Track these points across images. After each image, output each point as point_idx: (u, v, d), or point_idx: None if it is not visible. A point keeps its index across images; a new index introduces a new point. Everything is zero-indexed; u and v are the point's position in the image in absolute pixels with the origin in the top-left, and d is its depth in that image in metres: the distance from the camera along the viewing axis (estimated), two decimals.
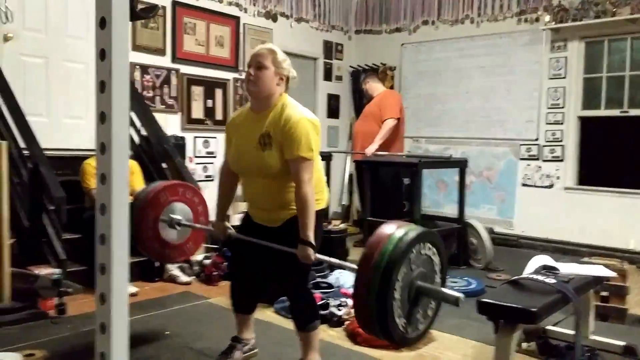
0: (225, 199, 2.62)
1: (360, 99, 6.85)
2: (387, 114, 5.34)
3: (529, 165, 6.00)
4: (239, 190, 2.59)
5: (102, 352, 1.39)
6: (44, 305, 3.28)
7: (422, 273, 1.82)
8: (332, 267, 4.08)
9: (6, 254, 3.22)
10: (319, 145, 2.33)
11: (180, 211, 2.76)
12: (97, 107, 1.39)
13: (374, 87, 5.67)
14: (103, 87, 1.37)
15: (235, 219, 4.40)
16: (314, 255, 2.21)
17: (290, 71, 2.40)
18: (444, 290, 1.85)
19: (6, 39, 4.31)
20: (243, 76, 6.06)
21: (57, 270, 3.43)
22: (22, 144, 3.91)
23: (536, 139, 5.93)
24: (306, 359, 2.43)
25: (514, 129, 6.09)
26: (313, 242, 2.21)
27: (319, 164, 2.44)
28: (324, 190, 2.48)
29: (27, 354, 2.63)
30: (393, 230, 1.81)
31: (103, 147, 1.39)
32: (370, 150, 5.22)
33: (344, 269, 3.50)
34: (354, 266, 1.91)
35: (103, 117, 1.38)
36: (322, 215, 2.47)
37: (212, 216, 2.72)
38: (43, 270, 3.41)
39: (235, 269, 2.62)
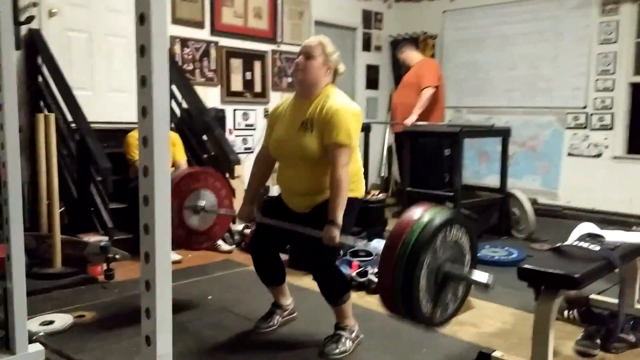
0: (256, 184, 2.68)
1: (400, 69, 6.72)
2: (425, 82, 5.21)
3: (575, 134, 5.81)
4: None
5: (147, 308, 1.45)
6: (93, 271, 3.43)
7: (450, 257, 1.80)
8: (371, 237, 4.10)
9: (57, 222, 3.38)
10: (358, 136, 2.37)
11: (204, 197, 2.79)
12: (138, 72, 1.42)
13: (411, 56, 5.53)
14: (143, 51, 1.39)
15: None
16: (339, 238, 2.22)
17: (339, 65, 2.47)
18: (473, 273, 1.81)
19: (51, 14, 4.42)
20: (281, 48, 6.10)
21: (105, 238, 3.57)
22: (69, 117, 4.05)
23: (584, 107, 5.72)
24: (341, 323, 2.47)
25: (560, 97, 5.89)
26: (340, 224, 2.23)
27: (358, 155, 2.47)
28: (362, 181, 2.51)
29: (78, 315, 2.77)
30: (418, 216, 1.78)
31: (144, 111, 1.42)
32: (410, 121, 5.15)
33: (370, 255, 3.54)
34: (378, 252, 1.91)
35: (144, 81, 1.41)
36: (358, 205, 2.49)
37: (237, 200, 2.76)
38: (92, 238, 3.56)
39: (258, 248, 2.63)
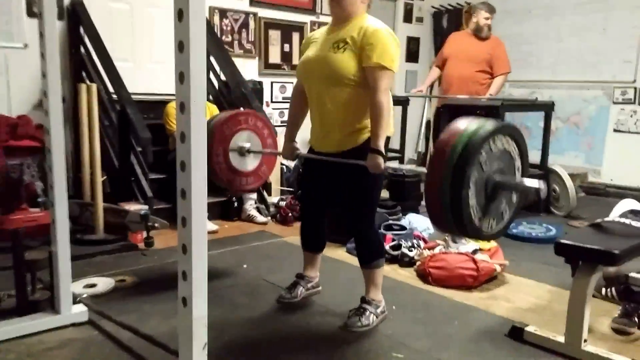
0: (295, 121, 2.64)
1: (443, 41, 6.55)
2: (505, 67, 4.83)
3: (622, 109, 5.59)
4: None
5: (183, 271, 1.50)
6: (134, 238, 3.54)
7: (498, 166, 1.74)
8: (405, 211, 4.08)
9: (99, 191, 3.49)
10: (398, 64, 2.27)
11: (247, 138, 2.75)
12: (175, 37, 1.43)
13: (488, 26, 4.91)
14: (181, 15, 1.41)
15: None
16: (384, 165, 2.19)
17: None
18: (525, 180, 1.76)
19: None
20: (320, 19, 6.03)
21: (145, 207, 3.66)
22: (110, 88, 4.14)
23: (633, 81, 5.49)
24: (368, 296, 2.46)
25: (608, 70, 5.66)
26: (383, 151, 2.19)
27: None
28: (392, 117, 2.40)
29: (119, 280, 2.88)
30: (466, 125, 1.72)
31: (182, 76, 1.44)
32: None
33: (404, 228, 3.51)
34: (423, 169, 1.88)
35: (181, 46, 1.43)
36: (387, 141, 2.40)
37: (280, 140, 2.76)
38: (132, 207, 3.66)
39: (306, 202, 2.65)
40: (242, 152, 2.74)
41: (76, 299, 2.44)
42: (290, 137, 2.63)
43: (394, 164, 2.30)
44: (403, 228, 3.66)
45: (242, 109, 4.70)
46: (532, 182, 1.72)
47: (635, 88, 5.49)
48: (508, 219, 1.84)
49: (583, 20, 5.80)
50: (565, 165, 5.44)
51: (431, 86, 5.68)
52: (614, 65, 5.61)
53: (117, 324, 2.32)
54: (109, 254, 3.34)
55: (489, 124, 1.72)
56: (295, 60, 5.91)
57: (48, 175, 2.23)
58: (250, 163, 2.79)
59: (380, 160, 2.18)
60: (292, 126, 2.64)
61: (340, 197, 2.43)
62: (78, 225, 3.52)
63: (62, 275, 2.29)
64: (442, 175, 1.69)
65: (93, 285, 2.74)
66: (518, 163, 1.83)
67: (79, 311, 2.37)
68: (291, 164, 5.45)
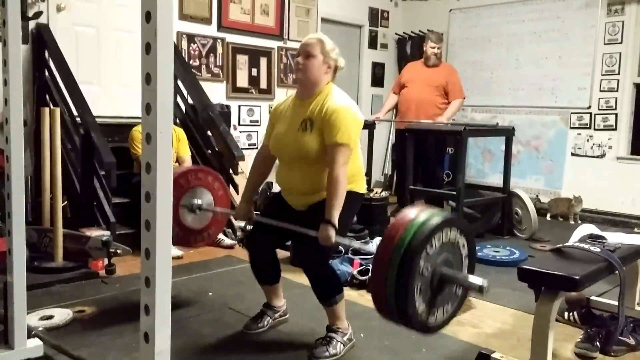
0: (254, 182, 2.67)
1: (405, 63, 6.69)
2: (459, 93, 5.13)
3: (579, 134, 5.80)
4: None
5: (146, 304, 1.46)
6: (94, 266, 3.44)
7: (446, 259, 1.73)
8: (373, 235, 4.10)
9: (59, 216, 3.39)
10: (358, 136, 2.37)
11: (201, 196, 2.76)
12: (143, 69, 1.42)
13: (441, 54, 5.27)
14: (148, 48, 1.40)
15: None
16: (334, 238, 2.20)
17: (339, 60, 2.45)
18: (469, 277, 1.75)
19: (59, 9, 4.43)
20: (287, 45, 6.09)
21: (107, 233, 3.58)
22: (74, 111, 4.06)
23: (589, 107, 5.71)
24: (333, 326, 2.45)
25: (565, 96, 5.87)
26: (336, 224, 2.21)
27: (359, 155, 2.47)
28: (363, 179, 2.51)
29: (78, 310, 2.78)
30: (414, 215, 1.72)
31: (148, 108, 1.43)
32: (444, 119, 5.02)
33: (367, 254, 3.53)
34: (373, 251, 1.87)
35: (148, 79, 1.41)
36: (359, 201, 2.50)
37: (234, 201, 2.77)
38: (94, 232, 3.57)
39: (255, 244, 2.63)
40: (193, 209, 2.72)
41: (31, 333, 2.32)
42: (247, 198, 2.64)
43: (345, 241, 2.32)
44: (370, 252, 3.67)
45: (210, 134, 4.70)
46: (476, 280, 1.72)
47: (590, 113, 5.70)
48: (449, 315, 1.83)
49: (540, 48, 6.03)
50: (527, 188, 5.60)
51: (392, 111, 5.82)
52: (570, 92, 5.83)
53: (74, 359, 2.23)
54: (68, 282, 3.24)
55: (437, 216, 1.72)
56: (263, 84, 5.95)
57: (6, 203, 2.17)
58: (200, 221, 2.78)
59: (332, 232, 2.19)
60: (250, 188, 2.66)
61: (296, 240, 2.48)
62: (36, 252, 3.41)
63: (17, 307, 2.19)
64: (390, 263, 1.66)
65: (50, 317, 2.64)
66: (465, 254, 1.83)
67: (34, 345, 2.27)
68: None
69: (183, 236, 2.78)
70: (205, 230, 2.86)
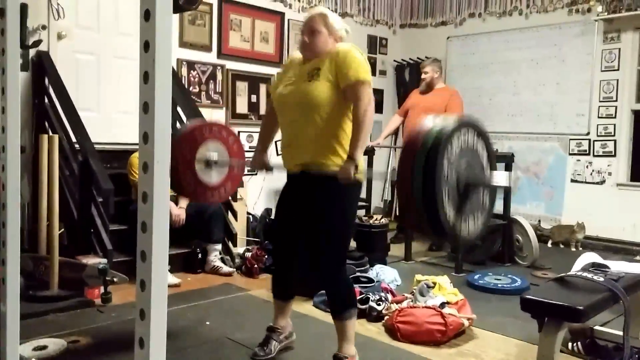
0: (267, 133, 2.66)
1: (405, 93, 6.73)
2: (458, 114, 5.00)
3: (579, 160, 5.80)
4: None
5: (140, 337, 1.42)
6: (90, 294, 3.39)
7: (467, 163, 1.73)
8: (373, 262, 4.06)
9: (56, 244, 3.36)
10: (370, 73, 2.34)
11: (216, 150, 2.63)
12: (141, 98, 1.41)
13: (438, 79, 5.25)
14: (146, 78, 1.39)
15: None
16: (354, 174, 2.20)
17: (343, 31, 2.44)
18: (493, 176, 1.77)
19: (60, 37, 4.47)
20: None
21: (104, 260, 3.54)
22: (73, 138, 4.06)
23: (587, 134, 5.72)
24: (341, 351, 2.41)
25: (563, 123, 5.89)
26: (358, 162, 2.21)
27: None
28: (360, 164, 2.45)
29: (72, 341, 2.73)
30: (430, 125, 1.72)
31: (146, 137, 1.42)
32: None
33: (371, 281, 3.47)
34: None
35: (146, 107, 1.40)
36: (360, 186, 2.44)
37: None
38: (90, 260, 3.53)
39: (279, 230, 2.61)
40: (209, 163, 2.64)
41: None
42: (261, 148, 2.64)
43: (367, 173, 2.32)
44: (370, 280, 3.63)
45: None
46: (501, 178, 1.72)
47: (589, 140, 5.71)
48: (481, 224, 1.80)
49: (538, 75, 6.07)
50: (527, 215, 5.57)
51: (395, 134, 5.83)
52: (569, 118, 5.85)
53: None
54: (63, 311, 3.18)
55: (453, 120, 1.74)
56: (263, 111, 5.96)
57: (1, 231, 2.14)
58: (215, 177, 2.69)
59: (352, 168, 2.19)
60: (264, 139, 2.66)
61: (311, 225, 2.40)
62: (32, 281, 3.37)
63: (9, 338, 2.14)
64: (413, 172, 1.66)
65: (43, 347, 2.59)
66: (484, 156, 1.83)
67: None
68: (258, 213, 5.41)
69: (200, 192, 2.66)
70: (221, 185, 2.74)
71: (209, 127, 2.69)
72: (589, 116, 5.70)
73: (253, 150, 5.78)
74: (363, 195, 5.53)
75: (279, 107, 2.47)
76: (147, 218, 1.41)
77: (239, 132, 5.69)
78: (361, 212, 5.40)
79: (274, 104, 2.52)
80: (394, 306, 3.14)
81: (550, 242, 5.53)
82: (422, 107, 5.09)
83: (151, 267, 1.39)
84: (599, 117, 5.64)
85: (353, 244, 4.57)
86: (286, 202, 2.57)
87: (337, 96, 2.29)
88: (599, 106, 5.63)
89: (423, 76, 5.22)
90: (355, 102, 2.25)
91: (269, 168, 2.63)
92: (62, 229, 3.76)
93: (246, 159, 2.84)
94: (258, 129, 5.82)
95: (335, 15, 2.42)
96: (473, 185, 1.73)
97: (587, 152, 5.73)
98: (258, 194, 5.58)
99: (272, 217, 5.17)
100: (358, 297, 3.31)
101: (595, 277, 2.31)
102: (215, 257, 4.25)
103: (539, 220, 5.84)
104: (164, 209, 1.42)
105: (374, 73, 7.14)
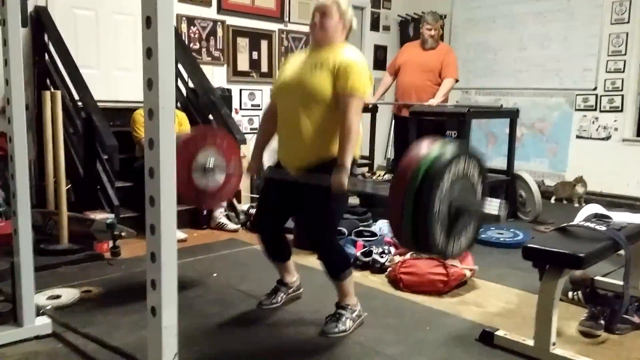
0: (263, 140, 2.66)
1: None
2: (453, 73, 4.94)
3: (585, 116, 5.76)
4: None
5: (152, 279, 1.46)
6: (99, 248, 3.45)
7: (461, 189, 1.77)
8: (376, 217, 4.10)
9: (63, 199, 3.40)
10: (369, 90, 2.37)
11: (212, 157, 2.71)
12: (143, 43, 1.41)
13: (439, 36, 5.11)
14: (149, 22, 1.38)
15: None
16: (347, 185, 2.21)
17: (353, 21, 2.48)
18: (485, 205, 1.81)
19: None
20: (288, 27, 6.04)
21: (111, 215, 3.58)
22: (75, 96, 4.05)
23: (594, 89, 5.66)
24: (342, 302, 2.47)
25: (570, 78, 5.82)
26: (349, 169, 2.23)
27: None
28: (359, 145, 2.46)
29: (85, 290, 2.80)
30: (426, 150, 1.75)
31: (150, 83, 1.41)
32: (435, 102, 4.94)
33: (374, 235, 3.52)
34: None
35: (149, 53, 1.40)
36: (354, 166, 2.45)
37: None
38: (98, 215, 3.58)
39: (263, 221, 2.63)
40: (205, 169, 2.68)
41: (39, 311, 2.35)
42: (257, 154, 2.64)
43: (358, 185, 2.32)
44: (374, 234, 3.67)
45: (211, 118, 4.67)
46: (492, 207, 1.76)
47: (596, 95, 5.66)
48: (467, 243, 1.88)
49: (545, 29, 5.97)
50: (531, 171, 5.57)
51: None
52: (576, 73, 5.78)
53: (82, 335, 2.25)
54: (74, 264, 3.25)
55: (450, 148, 1.76)
56: (264, 68, 5.91)
57: (10, 184, 2.16)
58: (212, 182, 2.74)
59: (345, 178, 2.20)
60: (260, 144, 2.66)
61: (300, 212, 2.46)
62: (42, 235, 3.41)
63: (25, 287, 2.21)
64: (404, 202, 1.72)
65: (57, 297, 2.66)
66: (478, 184, 1.87)
67: (43, 323, 2.29)
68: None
69: (197, 198, 2.73)
70: (220, 190, 2.78)
71: (202, 135, 2.72)
72: (596, 71, 5.63)
73: (256, 108, 5.83)
74: (365, 152, 5.55)
75: (281, 95, 2.48)
76: (155, 163, 1.43)
77: (240, 90, 5.69)
78: (364, 170, 5.42)
79: (276, 95, 2.52)
80: (397, 258, 3.18)
81: (553, 198, 5.55)
82: (417, 64, 4.99)
83: (160, 211, 1.42)
84: (606, 72, 5.56)
85: (356, 200, 4.61)
86: (274, 186, 2.56)
87: (335, 94, 2.32)
88: (607, 60, 5.55)
89: (432, 32, 5.00)
90: (343, 112, 2.26)
91: (263, 174, 2.65)
92: (69, 185, 3.79)
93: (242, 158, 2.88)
94: (259, 87, 5.86)
95: (346, 4, 2.44)
96: (464, 210, 1.79)
97: (594, 107, 5.68)
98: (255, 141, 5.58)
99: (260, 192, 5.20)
100: (362, 250, 3.36)
101: (597, 227, 2.33)
102: (220, 213, 4.29)
103: (542, 178, 5.85)
104: (171, 154, 1.44)
105: (377, 28, 7.03)
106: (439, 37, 5.15)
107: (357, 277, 3.15)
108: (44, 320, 2.31)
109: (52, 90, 3.92)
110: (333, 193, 2.24)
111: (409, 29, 7.07)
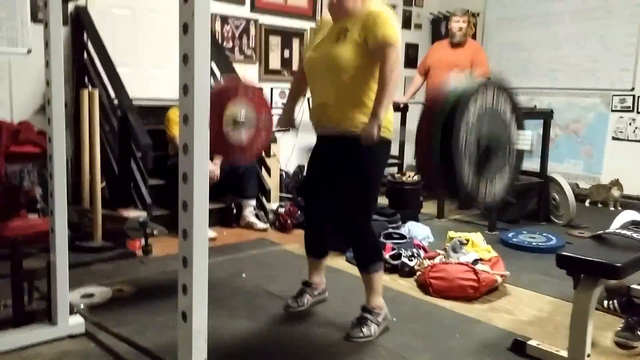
0: (295, 94, 2.70)
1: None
2: (485, 72, 4.75)
3: (621, 117, 5.60)
4: None
5: (184, 284, 1.48)
6: (132, 245, 3.51)
7: (490, 124, 1.71)
8: (405, 219, 4.07)
9: (98, 197, 3.47)
10: (399, 37, 2.31)
11: (243, 109, 2.61)
12: (180, 49, 1.42)
13: (468, 31, 4.99)
14: (186, 29, 1.40)
15: None
16: (378, 133, 2.21)
17: None
18: (515, 139, 1.75)
19: None
20: None
21: (144, 214, 3.65)
22: (112, 94, 4.13)
23: (632, 89, 5.50)
24: (369, 305, 2.45)
25: (607, 78, 5.67)
26: (381, 121, 2.22)
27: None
28: (391, 125, 2.43)
29: (117, 289, 2.85)
30: (453, 83, 1.72)
31: (186, 89, 1.43)
32: None
33: (404, 237, 3.44)
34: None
35: (186, 59, 1.41)
36: (389, 149, 2.47)
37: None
38: (131, 213, 3.64)
39: (309, 189, 2.67)
40: (237, 122, 2.64)
41: (73, 310, 2.40)
42: (289, 108, 2.69)
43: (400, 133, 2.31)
44: (403, 237, 3.65)
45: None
46: (525, 142, 1.69)
47: (633, 96, 5.50)
48: (501, 189, 1.79)
49: (581, 28, 5.82)
50: (564, 173, 5.45)
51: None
52: (612, 73, 5.62)
53: (114, 335, 2.29)
54: (107, 261, 3.32)
55: (475, 82, 1.72)
56: (295, 66, 5.91)
57: (49, 183, 2.22)
58: (244, 136, 2.69)
59: (375, 128, 2.20)
60: (292, 98, 2.71)
61: (340, 183, 2.43)
62: (77, 232, 3.50)
63: (59, 285, 2.26)
64: (432, 133, 1.67)
65: (90, 295, 2.71)
66: (511, 120, 1.79)
67: (76, 322, 2.34)
68: (290, 170, 5.45)
69: (228, 152, 2.71)
70: (251, 144, 2.76)
71: (234, 87, 2.70)
72: (634, 71, 5.46)
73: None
74: (395, 152, 5.51)
75: (309, 71, 2.50)
76: (189, 169, 1.45)
77: (271, 88, 5.71)
78: (394, 170, 5.39)
79: (305, 68, 2.53)
80: (427, 262, 3.16)
81: (588, 201, 5.43)
82: (446, 64, 4.85)
83: (193, 217, 1.43)
84: None
85: (385, 201, 4.58)
86: (316, 162, 2.61)
87: (364, 58, 2.30)
88: None
89: (460, 25, 4.92)
90: (381, 63, 2.24)
91: (295, 126, 2.67)
92: (104, 183, 3.87)
93: (274, 116, 2.86)
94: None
95: None
96: (494, 147, 1.70)
97: (631, 108, 5.52)
98: (291, 151, 5.61)
99: (305, 173, 5.21)
100: (391, 253, 3.35)
101: (634, 235, 2.26)
102: (249, 212, 4.32)
103: (576, 180, 5.71)
104: (204, 160, 1.45)
105: (408, 26, 6.97)
106: (468, 32, 5.03)
107: (386, 280, 3.13)
108: (78, 320, 2.35)
109: (90, 88, 4.01)
110: (367, 155, 2.27)
111: (442, 27, 6.99)
